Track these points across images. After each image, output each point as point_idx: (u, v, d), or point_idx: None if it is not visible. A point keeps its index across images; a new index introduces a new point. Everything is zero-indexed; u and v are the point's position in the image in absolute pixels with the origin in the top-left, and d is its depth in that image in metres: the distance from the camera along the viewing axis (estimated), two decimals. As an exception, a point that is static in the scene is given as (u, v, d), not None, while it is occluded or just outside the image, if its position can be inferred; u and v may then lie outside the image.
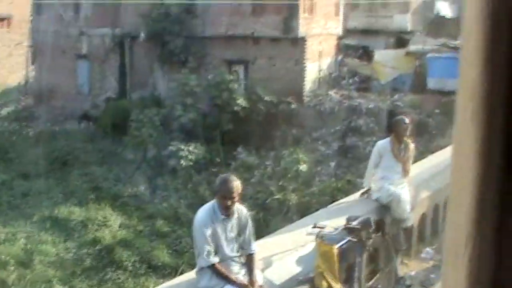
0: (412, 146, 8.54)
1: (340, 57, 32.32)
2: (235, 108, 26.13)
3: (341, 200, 9.93)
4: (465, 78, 0.92)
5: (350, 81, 30.38)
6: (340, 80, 30.55)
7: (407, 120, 8.50)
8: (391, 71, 29.75)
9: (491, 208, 0.84)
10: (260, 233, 6.25)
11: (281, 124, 26.61)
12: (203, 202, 20.32)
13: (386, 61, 30.11)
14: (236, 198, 5.85)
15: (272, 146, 26.08)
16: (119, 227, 21.55)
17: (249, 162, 25.37)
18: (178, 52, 28.94)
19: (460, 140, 0.91)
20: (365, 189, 9.07)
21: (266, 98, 26.57)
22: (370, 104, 26.62)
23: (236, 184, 5.80)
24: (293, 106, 27.02)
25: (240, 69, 28.86)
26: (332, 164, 24.47)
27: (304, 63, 27.91)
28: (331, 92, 28.59)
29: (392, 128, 8.61)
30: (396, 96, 27.67)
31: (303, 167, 22.79)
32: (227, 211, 5.91)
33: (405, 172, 8.56)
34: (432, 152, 13.79)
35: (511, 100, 0.84)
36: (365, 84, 30.55)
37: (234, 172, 22.20)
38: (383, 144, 8.62)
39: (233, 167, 24.69)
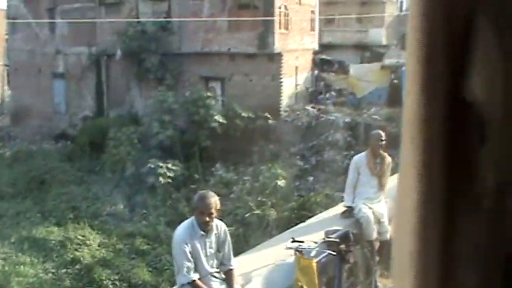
0: (388, 159, 8.38)
1: (316, 72, 32.66)
2: (213, 124, 26.12)
3: (320, 214, 9.90)
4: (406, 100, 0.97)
5: (327, 95, 30.65)
6: (317, 95, 30.79)
7: (382, 134, 8.38)
8: (367, 85, 29.93)
9: (435, 226, 0.88)
10: (240, 249, 6.27)
11: (259, 139, 26.57)
12: (182, 219, 19.77)
13: (362, 75, 30.31)
14: (214, 214, 5.82)
15: (250, 162, 25.98)
16: (98, 246, 21.32)
17: (228, 178, 25.33)
18: (154, 70, 28.99)
19: (404, 161, 0.95)
20: (345, 207, 8.82)
21: (243, 114, 26.62)
22: (347, 118, 26.72)
23: (214, 200, 5.78)
24: (270, 121, 27.09)
25: (217, 85, 28.87)
26: (311, 178, 24.51)
27: (281, 78, 27.97)
28: (308, 107, 28.67)
29: (368, 142, 8.64)
30: (372, 110, 27.76)
31: (281, 182, 22.73)
32: (205, 227, 5.88)
33: (381, 186, 8.43)
34: None
35: (449, 123, 0.89)
36: (341, 98, 30.63)
37: (213, 188, 21.91)
38: (359, 158, 8.50)
39: (211, 183, 24.66)
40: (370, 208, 8.31)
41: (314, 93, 31.02)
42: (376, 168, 8.33)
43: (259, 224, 21.18)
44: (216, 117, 26.17)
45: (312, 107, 28.60)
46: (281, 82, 27.96)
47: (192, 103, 26.44)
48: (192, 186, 24.59)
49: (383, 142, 8.29)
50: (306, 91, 30.73)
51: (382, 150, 8.35)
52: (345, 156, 24.06)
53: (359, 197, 8.44)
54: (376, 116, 26.44)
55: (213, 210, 5.77)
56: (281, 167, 24.14)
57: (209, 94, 27.02)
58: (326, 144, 25.78)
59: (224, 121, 26.40)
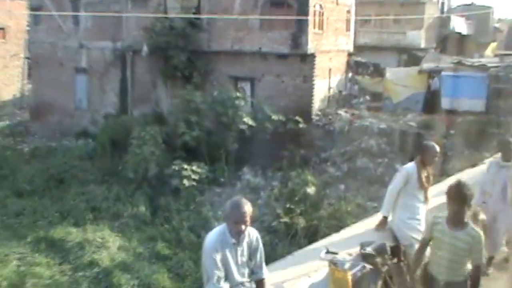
0: (432, 171, 8.32)
1: (350, 75, 32.47)
2: (241, 126, 26.07)
3: (354, 225, 9.77)
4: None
5: (361, 99, 30.52)
6: (350, 99, 30.62)
7: (437, 148, 8.22)
8: (403, 89, 29.68)
9: None
10: (266, 257, 6.20)
11: (289, 143, 26.56)
12: (206, 224, 21.05)
13: (398, 79, 30.03)
14: (249, 222, 5.79)
15: (279, 167, 26.02)
16: (118, 249, 21.19)
17: (255, 182, 25.43)
18: (182, 67, 29.01)
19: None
20: (382, 216, 8.59)
21: (273, 116, 26.51)
22: (382, 124, 26.52)
23: (248, 207, 5.74)
24: (301, 125, 26.97)
25: (246, 86, 28.84)
26: (342, 186, 24.35)
27: (313, 80, 27.81)
28: (341, 111, 28.52)
29: (420, 153, 8.25)
30: (408, 116, 27.55)
31: (311, 189, 22.62)
32: (239, 236, 5.87)
33: (427, 199, 8.37)
34: (448, 175, 13.56)
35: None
36: (376, 103, 30.50)
37: (239, 193, 22.66)
38: (412, 169, 8.27)
39: (238, 188, 24.86)
40: (414, 228, 8.17)
41: (348, 97, 30.80)
42: (425, 181, 8.23)
43: (287, 232, 21.14)
44: (244, 119, 26.06)
45: (345, 112, 28.49)
46: (314, 84, 27.81)
47: (220, 103, 26.38)
48: (218, 190, 24.96)
49: (437, 156, 8.18)
50: (339, 95, 30.50)
51: (433, 164, 8.28)
52: (379, 164, 24.41)
53: (401, 210, 8.32)
54: (412, 123, 26.29)
55: (247, 219, 5.75)
56: (311, 173, 24.17)
57: (238, 94, 26.96)
58: (359, 150, 25.60)
59: (253, 124, 26.33)
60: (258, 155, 26.46)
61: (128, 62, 32.40)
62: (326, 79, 29.56)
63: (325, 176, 25.13)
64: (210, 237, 5.91)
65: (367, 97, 30.32)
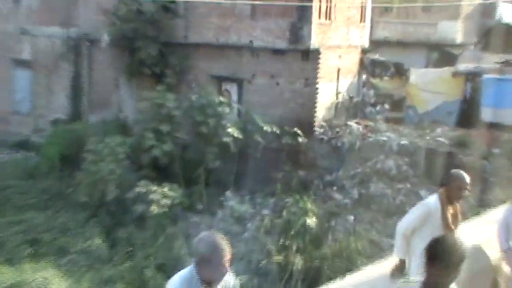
0: (459, 208, 8.42)
1: (364, 77, 32.33)
2: (225, 139, 25.96)
3: (366, 268, 9.83)
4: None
5: (378, 108, 30.19)
6: (364, 107, 30.33)
7: (467, 178, 8.21)
8: (432, 96, 29.57)
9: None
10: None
11: (285, 162, 26.46)
12: (178, 262, 20.54)
13: (426, 83, 29.89)
14: (228, 266, 5.72)
15: (271, 191, 25.80)
16: (65, 293, 21.06)
17: (241, 211, 24.99)
18: (152, 63, 28.88)
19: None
20: (397, 260, 8.64)
21: (266, 127, 26.37)
22: (403, 140, 26.27)
23: (226, 247, 5.63)
24: (300, 139, 26.82)
25: (232, 88, 28.72)
26: (351, 217, 24.03)
27: (317, 83, 27.58)
28: (352, 122, 28.30)
29: (446, 184, 8.25)
30: (438, 130, 27.24)
31: (311, 220, 22.47)
32: (212, 284, 5.80)
33: None
34: (489, 207, 13.82)
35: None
36: (397, 113, 30.23)
37: (221, 224, 23.37)
38: (433, 205, 8.29)
39: (219, 217, 24.60)
40: None
41: (361, 105, 30.68)
42: (451, 221, 8.29)
43: (280, 274, 20.85)
44: (230, 130, 25.94)
45: (357, 123, 28.30)
46: (317, 89, 27.64)
47: (199, 110, 26.20)
48: (194, 219, 24.62)
49: (467, 189, 8.20)
50: (350, 102, 30.41)
51: (462, 199, 8.38)
52: (398, 191, 24.18)
53: (420, 256, 8.04)
54: (442, 139, 26.04)
55: (227, 263, 5.67)
56: (312, 200, 23.79)
57: (222, 99, 26.81)
58: (373, 172, 25.44)
59: (240, 136, 26.22)
60: (245, 176, 26.39)
61: (84, 54, 32.34)
62: (334, 82, 29.36)
63: (330, 204, 24.85)
64: (174, 282, 5.83)
65: (386, 106, 30.10)
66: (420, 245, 7.74)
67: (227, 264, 5.63)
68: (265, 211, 24.80)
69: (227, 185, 26.49)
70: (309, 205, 23.07)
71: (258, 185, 26.27)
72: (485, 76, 28.10)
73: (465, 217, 8.74)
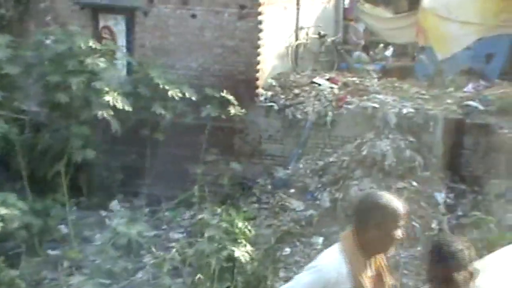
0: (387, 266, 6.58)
1: (346, 0, 27.42)
2: (101, 112, 19.87)
3: None
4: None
5: (370, 53, 26.47)
6: (347, 53, 26.14)
7: (401, 209, 6.12)
8: (460, 30, 24.26)
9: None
10: None
11: (208, 149, 21.45)
12: None
13: (450, 7, 24.44)
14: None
15: (186, 200, 20.77)
16: None
17: (131, 235, 19.24)
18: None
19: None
20: None
21: (172, 91, 20.77)
22: (407, 106, 21.23)
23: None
24: (233, 109, 21.28)
25: (118, 25, 23.28)
26: (318, 240, 19.88)
27: (260, 13, 21.91)
28: (321, 79, 23.00)
29: (360, 226, 6.07)
30: (469, 87, 22.21)
31: (242, 250, 17.34)
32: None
33: None
34: None
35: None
36: (401, 61, 26.16)
37: (99, 256, 18.70)
38: (334, 271, 6.13)
39: (95, 248, 19.44)
40: None
41: (340, 48, 26.05)
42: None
43: None
44: (107, 98, 19.84)
45: (330, 80, 23.05)
46: (260, 22, 21.97)
47: (55, 64, 20.15)
48: (50, 253, 19.40)
49: (402, 232, 6.14)
50: (321, 43, 25.27)
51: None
52: (398, 193, 18.61)
53: None
54: (474, 103, 21.04)
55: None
56: (251, 210, 19.46)
57: (95, 45, 20.63)
58: (355, 163, 20.53)
59: (128, 107, 20.13)
60: (142, 174, 21.44)
61: None
62: (291, 10, 23.96)
63: (284, 217, 20.06)
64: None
65: (389, 49, 25.72)
66: None
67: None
68: (175, 234, 20.32)
69: (111, 190, 21.90)
70: (240, 223, 17.27)
71: (163, 188, 21.58)
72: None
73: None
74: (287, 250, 19.01)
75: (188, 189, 20.41)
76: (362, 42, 27.37)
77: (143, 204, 21.29)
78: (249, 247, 16.88)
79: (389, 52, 26.73)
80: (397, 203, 6.19)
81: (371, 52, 26.86)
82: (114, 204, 21.52)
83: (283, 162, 21.81)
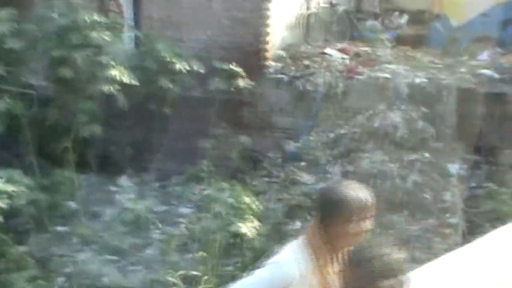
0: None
1: None
2: (108, 88, 19.79)
3: None
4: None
5: (384, 21, 25.59)
6: (358, 22, 25.56)
7: (368, 199, 5.90)
8: None
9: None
10: None
11: (216, 122, 21.27)
12: None
13: None
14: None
15: (194, 174, 20.68)
16: None
17: (139, 210, 19.23)
18: None
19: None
20: None
21: (179, 64, 20.66)
22: (419, 77, 20.82)
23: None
24: (242, 82, 21.11)
25: None
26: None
27: None
28: (331, 50, 22.54)
29: (325, 218, 5.77)
30: (484, 55, 21.71)
31: (250, 226, 17.34)
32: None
33: None
34: None
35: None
36: (416, 28, 25.29)
37: (107, 233, 18.67)
38: (293, 269, 5.88)
39: (103, 222, 19.18)
40: None
41: (353, 17, 25.77)
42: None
43: None
44: (113, 72, 19.61)
45: (341, 50, 22.69)
46: None
47: (60, 37, 19.87)
48: (57, 230, 18.83)
49: (370, 224, 5.82)
50: (332, 12, 25.04)
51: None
52: (410, 165, 19.34)
53: None
54: (489, 72, 20.62)
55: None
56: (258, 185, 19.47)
57: (100, 18, 20.41)
58: (367, 134, 20.26)
59: (134, 82, 20.02)
60: (150, 150, 21.42)
61: None
62: None
63: (294, 191, 19.68)
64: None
65: (404, 16, 25.24)
66: None
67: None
68: (184, 209, 20.03)
69: (119, 165, 21.48)
70: (246, 198, 17.35)
71: (172, 163, 21.23)
72: None
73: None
74: (298, 224, 18.40)
75: (197, 164, 20.53)
76: (377, 10, 26.64)
77: (152, 179, 21.32)
78: (256, 223, 17.00)
79: (404, 19, 26.05)
80: (365, 194, 5.97)
81: (386, 21, 26.16)
82: (123, 180, 21.22)
83: (294, 135, 21.51)
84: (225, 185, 18.14)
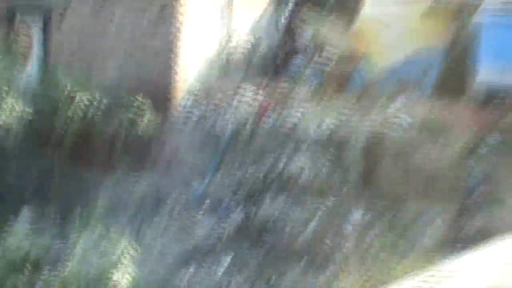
0: None
1: (286, 8, 26.47)
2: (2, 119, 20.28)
3: None
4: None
5: (314, 57, 25.09)
6: (283, 59, 25.47)
7: None
8: (398, 40, 24.50)
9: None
10: None
11: (122, 156, 21.04)
12: None
13: (388, 18, 24.73)
14: None
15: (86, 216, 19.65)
16: None
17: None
18: None
19: None
20: None
21: (81, 94, 20.79)
22: (330, 120, 21.42)
23: None
24: (150, 116, 21.19)
25: (35, 25, 23.05)
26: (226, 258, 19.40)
27: (182, 14, 21.91)
28: (249, 86, 22.93)
29: None
30: (398, 102, 21.81)
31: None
32: None
33: None
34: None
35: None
36: (342, 67, 24.89)
37: None
38: None
39: None
40: None
41: (280, 54, 25.74)
42: None
43: None
44: (12, 103, 20.10)
45: (257, 87, 22.89)
46: (182, 23, 22.46)
47: None
48: None
49: None
50: (254, 48, 25.13)
51: None
52: (313, 211, 19.81)
53: None
54: (402, 118, 21.04)
55: None
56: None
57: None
58: (271, 179, 20.85)
59: (34, 116, 20.50)
60: (47, 187, 21.15)
61: None
62: (222, 11, 24.16)
63: (195, 233, 19.80)
64: None
65: (318, 58, 24.93)
66: None
67: None
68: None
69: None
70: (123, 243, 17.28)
71: (70, 200, 20.70)
72: (485, 14, 24.53)
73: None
74: (191, 270, 18.79)
75: (94, 203, 19.89)
76: (303, 47, 26.55)
77: (50, 216, 20.37)
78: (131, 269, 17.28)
79: (334, 56, 25.79)
80: None
81: (315, 56, 25.82)
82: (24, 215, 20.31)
83: (200, 173, 21.54)
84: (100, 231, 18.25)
